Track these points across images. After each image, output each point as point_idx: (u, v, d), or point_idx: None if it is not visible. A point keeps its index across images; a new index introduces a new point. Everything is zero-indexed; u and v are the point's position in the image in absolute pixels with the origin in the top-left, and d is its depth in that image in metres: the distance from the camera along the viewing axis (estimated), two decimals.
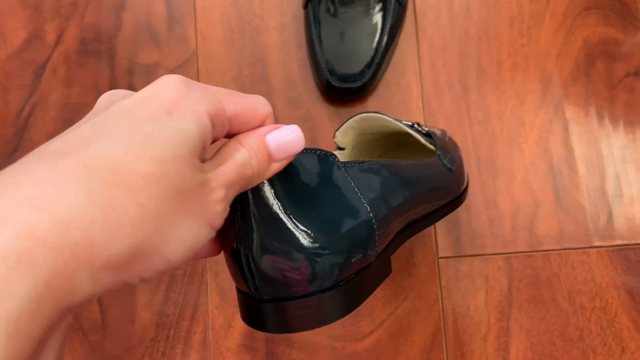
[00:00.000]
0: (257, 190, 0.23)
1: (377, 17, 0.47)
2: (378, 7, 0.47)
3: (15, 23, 0.53)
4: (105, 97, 0.21)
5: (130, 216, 0.17)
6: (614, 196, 0.48)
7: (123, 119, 0.19)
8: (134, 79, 0.52)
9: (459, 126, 0.50)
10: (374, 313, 0.47)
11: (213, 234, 0.20)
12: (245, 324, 0.31)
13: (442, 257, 0.48)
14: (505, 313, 0.47)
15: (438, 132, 0.41)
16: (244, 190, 0.22)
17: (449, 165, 0.37)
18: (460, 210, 0.48)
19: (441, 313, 0.47)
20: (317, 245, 0.23)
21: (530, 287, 0.47)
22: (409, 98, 0.50)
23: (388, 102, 0.50)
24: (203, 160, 0.20)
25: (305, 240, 0.23)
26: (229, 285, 0.49)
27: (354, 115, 0.39)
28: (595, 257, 0.47)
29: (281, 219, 0.23)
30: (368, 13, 0.47)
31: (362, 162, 0.27)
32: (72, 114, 0.52)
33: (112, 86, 0.52)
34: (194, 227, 0.19)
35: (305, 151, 0.24)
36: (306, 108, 0.51)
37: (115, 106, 0.19)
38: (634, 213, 0.48)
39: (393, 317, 0.47)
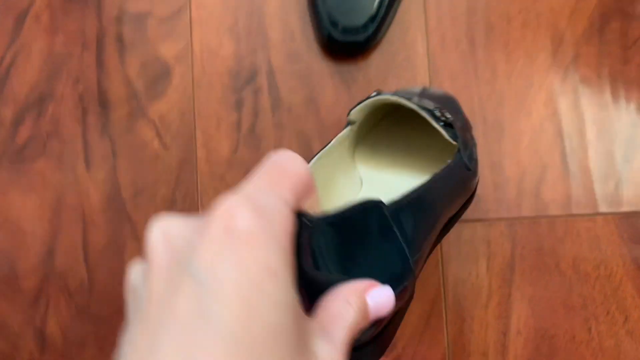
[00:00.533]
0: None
1: None
2: None
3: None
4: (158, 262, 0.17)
5: None
6: (624, 162, 0.46)
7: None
8: (122, 29, 0.49)
9: (465, 85, 0.47)
10: None
11: None
12: None
13: None
14: (507, 280, 0.45)
15: (452, 118, 0.37)
16: None
17: (468, 164, 0.36)
18: None
19: (441, 279, 0.46)
20: None
21: (534, 253, 0.45)
22: (413, 55, 0.48)
23: (392, 58, 0.48)
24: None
25: None
26: None
27: (371, 96, 0.37)
28: (601, 224, 0.46)
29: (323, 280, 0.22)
30: None
31: (396, 202, 0.27)
32: (56, 63, 0.49)
33: (99, 35, 0.49)
34: None
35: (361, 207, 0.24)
36: (305, 63, 0.48)
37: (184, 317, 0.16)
38: None
39: None
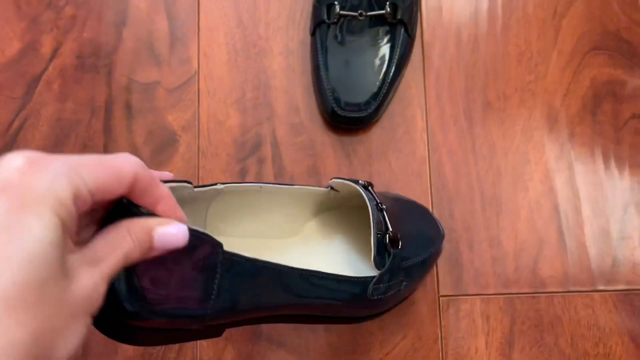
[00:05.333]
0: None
1: (385, 48, 0.47)
2: (387, 37, 0.47)
3: (10, 33, 0.52)
4: None
5: (13, 338, 0.17)
6: (619, 239, 0.47)
7: None
8: (131, 97, 0.50)
9: (463, 160, 0.49)
10: (371, 352, 0.45)
11: (90, 320, 0.21)
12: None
13: (442, 296, 0.46)
14: (506, 356, 0.45)
15: (400, 253, 0.37)
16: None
17: (373, 295, 0.35)
18: (463, 247, 0.47)
19: (441, 354, 0.45)
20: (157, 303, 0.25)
21: (533, 329, 0.46)
22: (413, 129, 0.49)
23: (392, 132, 0.49)
24: (80, 241, 0.22)
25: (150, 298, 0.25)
26: None
27: (340, 178, 0.40)
28: (599, 301, 0.46)
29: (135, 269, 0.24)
30: (376, 43, 0.47)
31: (248, 261, 0.28)
32: (64, 129, 0.50)
33: (108, 103, 0.50)
34: (78, 329, 0.20)
35: (200, 237, 0.26)
36: (308, 135, 0.49)
37: None
38: (639, 258, 0.47)
39: (390, 357, 0.45)
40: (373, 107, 0.46)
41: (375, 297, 0.36)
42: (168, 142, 0.49)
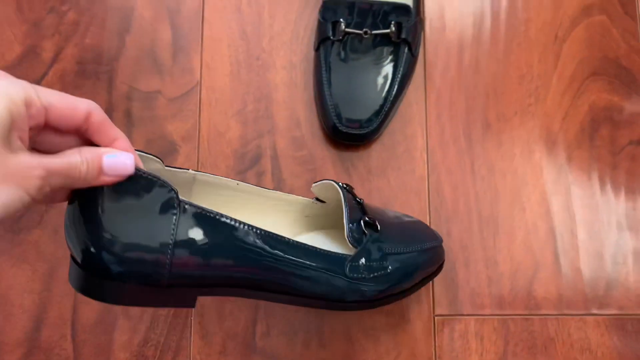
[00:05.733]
0: (92, 191, 0.28)
1: (389, 66, 0.47)
2: (390, 56, 0.47)
3: (11, 36, 0.51)
4: None
5: None
6: (613, 264, 0.48)
7: None
8: (132, 105, 0.50)
9: (462, 180, 0.49)
10: None
11: (28, 199, 0.25)
12: None
13: (438, 315, 0.46)
14: None
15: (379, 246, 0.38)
16: (71, 187, 0.27)
17: (349, 273, 0.36)
18: (459, 266, 0.47)
19: None
20: (112, 245, 0.29)
21: (526, 352, 0.46)
22: (413, 148, 0.50)
23: (392, 150, 0.49)
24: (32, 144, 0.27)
25: (104, 240, 0.29)
26: (214, 329, 0.46)
27: (319, 181, 0.41)
28: (592, 324, 0.46)
29: (97, 219, 0.28)
30: (380, 61, 0.47)
31: (207, 211, 0.31)
32: None
33: (109, 110, 0.50)
34: (6, 192, 0.24)
35: (151, 178, 0.29)
36: (309, 149, 0.49)
37: None
38: (632, 282, 0.47)
39: None
40: (375, 125, 0.46)
41: (355, 276, 0.36)
42: (167, 151, 0.49)
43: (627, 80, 0.51)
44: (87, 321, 0.47)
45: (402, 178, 0.49)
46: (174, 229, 0.29)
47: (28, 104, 0.25)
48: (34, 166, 0.25)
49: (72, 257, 0.31)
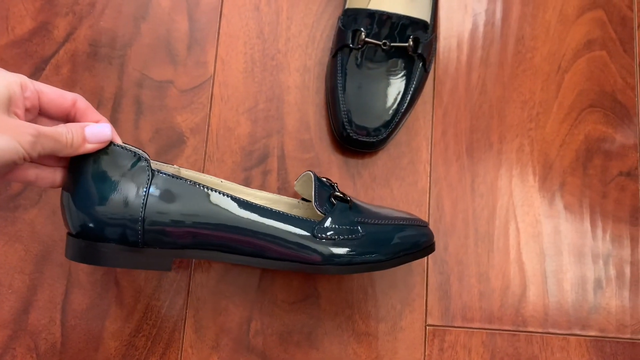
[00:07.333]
0: (80, 159, 0.34)
1: (402, 79, 0.48)
2: (405, 69, 0.48)
3: (23, 11, 0.50)
4: None
5: None
6: (597, 288, 0.50)
7: None
8: (142, 93, 0.50)
9: (462, 196, 0.50)
10: None
11: (22, 151, 0.30)
12: None
13: (429, 325, 0.48)
14: None
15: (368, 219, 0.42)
16: (59, 153, 0.32)
17: (316, 233, 0.39)
18: (453, 280, 0.48)
19: None
20: (90, 211, 0.34)
21: None
22: (417, 160, 0.51)
23: (397, 160, 0.50)
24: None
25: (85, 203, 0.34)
26: (208, 323, 0.46)
27: (304, 173, 0.44)
28: (574, 344, 0.48)
29: (81, 186, 0.34)
30: (394, 73, 0.48)
31: (177, 177, 0.36)
32: None
33: (118, 95, 0.49)
34: (6, 139, 0.29)
35: (124, 148, 0.35)
36: (316, 153, 0.50)
37: None
38: (613, 307, 0.49)
39: None
40: (383, 135, 0.47)
41: (323, 236, 0.39)
42: (175, 142, 0.49)
43: (621, 114, 0.53)
44: (78, 306, 0.46)
45: (405, 189, 0.50)
46: (145, 192, 0.34)
47: (23, 87, 0.31)
48: (27, 125, 0.30)
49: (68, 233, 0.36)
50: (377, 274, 0.48)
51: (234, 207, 0.37)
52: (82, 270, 0.46)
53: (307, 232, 0.39)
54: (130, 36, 0.51)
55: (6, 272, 0.46)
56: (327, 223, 0.39)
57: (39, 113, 0.34)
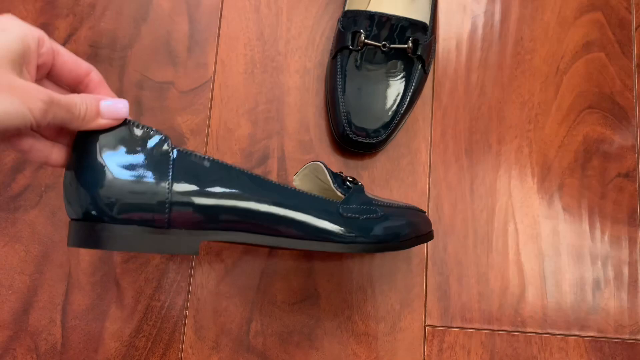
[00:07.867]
0: (91, 140, 0.31)
1: (402, 81, 0.48)
2: (404, 71, 0.48)
3: (24, 12, 0.50)
4: None
5: None
6: (595, 289, 0.50)
7: None
8: (142, 94, 0.50)
9: (460, 197, 0.50)
10: None
11: (30, 118, 0.26)
12: None
13: (429, 325, 0.48)
14: None
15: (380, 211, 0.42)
16: (70, 125, 0.29)
17: (342, 212, 0.39)
18: (452, 281, 0.49)
19: None
20: (109, 192, 0.31)
21: None
22: (417, 161, 0.51)
23: (397, 161, 0.51)
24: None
25: (106, 185, 0.31)
26: (208, 324, 0.46)
27: (308, 164, 0.45)
28: (573, 345, 0.48)
29: (97, 165, 0.31)
30: (394, 75, 0.48)
31: (203, 157, 0.34)
32: None
33: (118, 97, 0.49)
34: (14, 101, 0.25)
35: (142, 126, 0.32)
36: (316, 154, 0.50)
37: None
38: (612, 308, 0.50)
39: None
40: (383, 136, 0.47)
41: (349, 215, 0.39)
42: (175, 143, 0.49)
43: (619, 115, 0.53)
44: (78, 307, 0.46)
45: (404, 190, 0.50)
46: (170, 169, 0.32)
47: (40, 43, 0.28)
48: (40, 90, 0.27)
49: (71, 220, 0.33)
50: (377, 274, 0.48)
51: (262, 186, 0.36)
52: (82, 271, 0.46)
53: (333, 210, 0.39)
54: (131, 37, 0.51)
55: (6, 273, 0.46)
56: (351, 202, 0.40)
57: (47, 76, 0.31)
